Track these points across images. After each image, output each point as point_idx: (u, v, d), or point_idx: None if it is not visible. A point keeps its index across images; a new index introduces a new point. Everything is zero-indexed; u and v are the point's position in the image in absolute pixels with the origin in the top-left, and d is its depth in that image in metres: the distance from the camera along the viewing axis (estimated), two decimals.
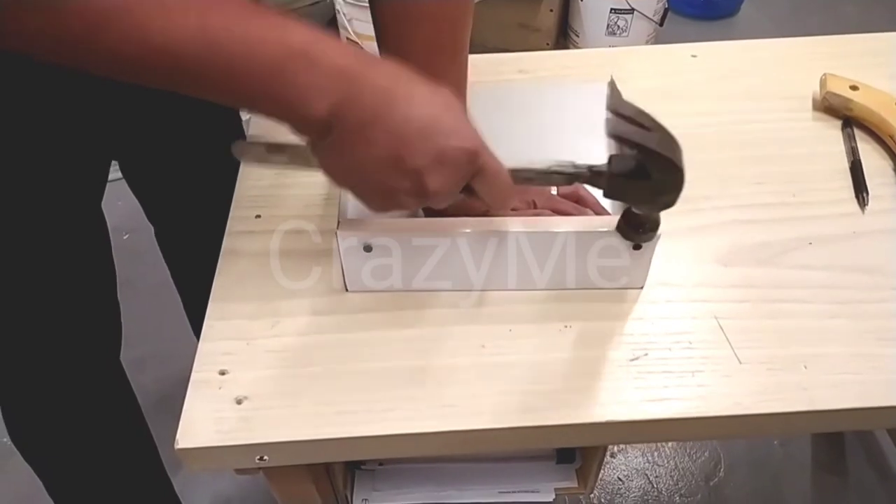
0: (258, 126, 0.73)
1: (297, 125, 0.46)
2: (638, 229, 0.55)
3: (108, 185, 0.87)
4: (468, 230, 0.56)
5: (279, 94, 0.44)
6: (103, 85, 0.65)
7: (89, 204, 0.75)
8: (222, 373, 0.55)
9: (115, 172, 0.84)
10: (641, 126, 0.49)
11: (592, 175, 0.52)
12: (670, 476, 1.28)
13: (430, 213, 0.64)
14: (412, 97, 0.45)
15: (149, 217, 0.97)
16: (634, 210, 0.54)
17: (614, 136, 0.48)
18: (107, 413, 0.91)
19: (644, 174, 0.50)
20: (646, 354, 0.56)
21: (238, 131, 0.88)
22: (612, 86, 0.48)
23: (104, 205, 0.79)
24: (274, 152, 0.51)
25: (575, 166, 0.52)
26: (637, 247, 0.57)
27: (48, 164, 0.67)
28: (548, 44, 2.04)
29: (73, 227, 0.74)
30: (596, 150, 0.72)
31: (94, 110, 0.68)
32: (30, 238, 0.70)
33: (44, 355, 0.79)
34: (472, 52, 0.64)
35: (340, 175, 0.48)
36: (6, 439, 0.89)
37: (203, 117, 0.80)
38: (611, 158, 0.51)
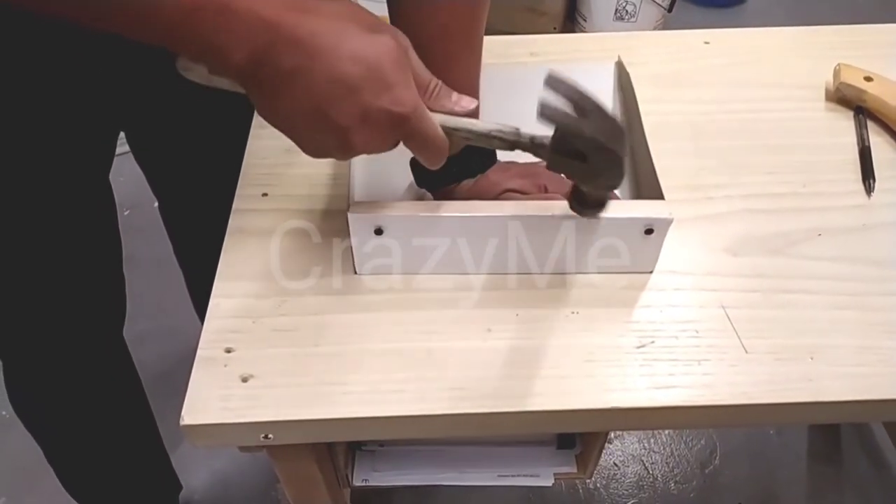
0: None
1: (217, 70, 0.45)
2: (583, 204, 0.54)
3: None
4: (478, 214, 0.56)
5: (194, 38, 0.42)
6: (113, 54, 0.64)
7: (97, 175, 0.75)
8: (228, 351, 0.55)
9: (119, 147, 0.83)
10: (579, 109, 0.47)
11: (534, 146, 0.50)
12: (666, 463, 1.29)
13: (439, 196, 0.63)
14: (340, 50, 0.43)
15: (154, 190, 0.97)
16: (580, 186, 0.53)
17: (545, 118, 0.46)
18: (107, 385, 0.91)
19: (581, 154, 0.49)
20: (652, 342, 0.56)
21: (249, 104, 0.87)
22: (553, 72, 0.46)
23: None
24: (217, 74, 0.48)
25: (517, 134, 0.51)
26: (649, 231, 0.57)
27: (56, 134, 0.66)
28: (555, 28, 2.02)
29: (80, 197, 0.73)
30: None
31: (102, 79, 0.67)
32: (37, 208, 0.69)
33: (48, 325, 0.79)
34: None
35: (268, 118, 0.47)
36: (5, 412, 0.89)
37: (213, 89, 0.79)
38: (555, 133, 0.50)
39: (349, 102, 0.43)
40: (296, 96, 0.43)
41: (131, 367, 0.96)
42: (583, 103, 0.47)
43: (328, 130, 0.45)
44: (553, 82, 0.47)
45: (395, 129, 0.46)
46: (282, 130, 0.47)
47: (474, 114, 0.51)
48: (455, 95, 0.51)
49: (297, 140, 0.47)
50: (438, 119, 0.49)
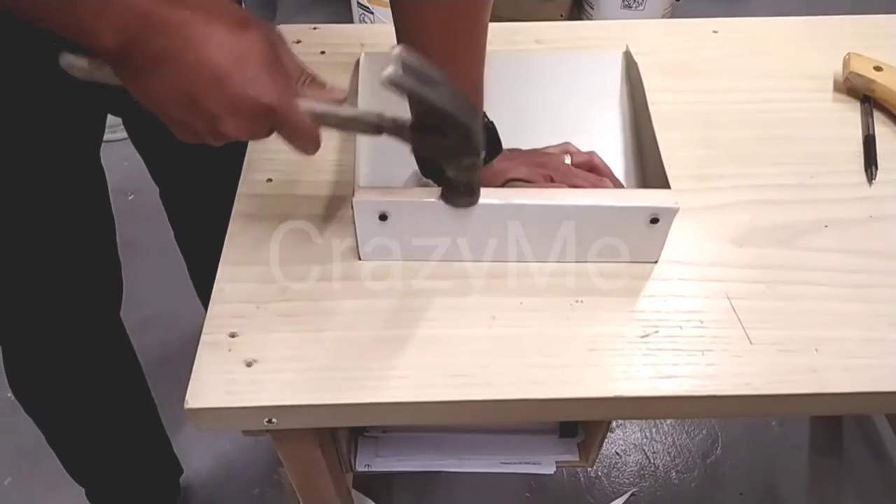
0: None
1: (88, 50, 0.45)
2: (452, 191, 0.54)
3: (112, 145, 0.86)
4: (483, 201, 0.56)
5: (64, 18, 0.43)
6: None
7: (86, 154, 0.74)
8: (232, 335, 0.55)
9: (120, 132, 0.83)
10: (428, 79, 0.47)
11: (396, 128, 0.50)
12: (667, 452, 1.30)
13: (442, 184, 0.63)
14: (210, 40, 0.44)
15: (153, 177, 0.96)
16: (447, 173, 0.53)
17: (392, 85, 0.46)
18: (105, 368, 0.91)
19: (440, 136, 0.49)
20: (656, 331, 0.56)
21: None
22: (402, 50, 0.46)
23: (108, 165, 0.78)
24: (97, 67, 0.49)
25: (379, 117, 0.51)
26: (654, 221, 0.56)
27: (43, 113, 0.66)
28: (561, 15, 2.01)
29: (70, 176, 0.73)
30: (608, 117, 0.71)
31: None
32: (27, 188, 0.69)
33: (43, 306, 0.79)
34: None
35: (143, 101, 0.47)
36: (10, 394, 0.89)
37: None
38: (414, 116, 0.50)
39: (217, 91, 0.44)
40: (166, 82, 0.44)
41: (129, 349, 0.96)
42: (431, 74, 0.47)
43: (199, 117, 0.45)
44: (403, 56, 0.46)
45: (263, 118, 0.47)
46: (154, 111, 0.47)
47: (343, 103, 0.52)
48: (328, 86, 0.52)
49: (169, 124, 0.48)
50: (305, 107, 0.49)
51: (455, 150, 0.50)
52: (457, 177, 0.53)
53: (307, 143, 0.50)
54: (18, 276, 0.75)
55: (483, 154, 0.52)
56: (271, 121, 0.47)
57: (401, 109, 0.50)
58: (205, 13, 0.44)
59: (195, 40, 0.44)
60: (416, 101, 0.48)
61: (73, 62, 0.48)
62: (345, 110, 0.51)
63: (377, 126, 0.51)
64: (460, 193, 0.54)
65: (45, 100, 0.65)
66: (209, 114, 0.45)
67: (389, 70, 0.45)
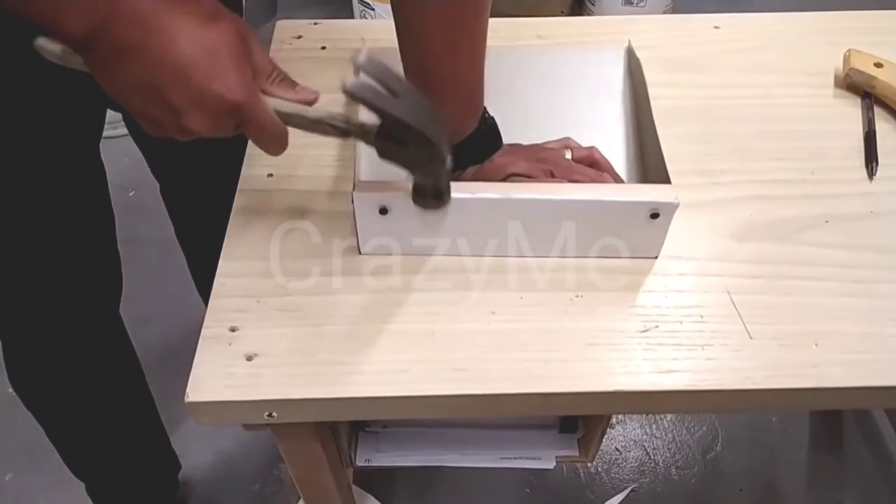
0: None
1: (56, 37, 0.45)
2: (420, 195, 0.54)
3: (113, 141, 0.86)
4: (483, 196, 0.56)
5: (33, 8, 0.42)
6: None
7: (85, 149, 0.74)
8: (233, 329, 0.55)
9: (121, 128, 0.83)
10: (390, 90, 0.47)
11: (362, 133, 0.50)
12: (668, 448, 1.30)
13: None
14: (178, 32, 0.43)
15: (153, 173, 0.96)
16: (415, 177, 0.53)
17: (352, 96, 0.45)
18: (104, 363, 0.91)
19: (400, 144, 0.48)
20: (656, 326, 0.56)
21: None
22: (367, 54, 0.46)
23: (109, 161, 0.78)
24: (68, 53, 0.48)
25: (347, 121, 0.50)
26: (654, 216, 0.56)
27: (41, 108, 0.66)
28: (562, 11, 2.00)
29: (69, 172, 0.73)
30: (609, 112, 0.71)
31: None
32: (26, 183, 0.69)
33: (42, 301, 0.79)
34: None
35: (108, 91, 0.46)
36: (11, 390, 0.89)
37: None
38: (380, 122, 0.49)
39: (182, 84, 0.44)
40: (131, 72, 0.44)
41: (128, 344, 0.96)
42: (394, 85, 0.47)
43: (163, 110, 0.45)
44: (366, 64, 0.46)
45: (229, 115, 0.46)
46: (120, 102, 0.47)
47: (313, 104, 0.51)
48: (298, 87, 0.51)
49: (136, 115, 0.47)
50: (273, 105, 0.48)
51: (418, 158, 0.50)
52: (423, 182, 0.53)
53: (272, 142, 0.49)
54: (18, 271, 0.75)
55: (448, 161, 0.52)
56: (237, 117, 0.46)
57: None
58: (175, 3, 0.44)
59: (163, 31, 0.43)
60: (375, 112, 0.47)
61: (46, 46, 0.47)
62: (312, 111, 0.50)
63: (344, 130, 0.50)
64: (428, 196, 0.54)
65: (43, 95, 0.65)
66: (173, 107, 0.44)
67: (348, 81, 0.44)
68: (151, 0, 0.43)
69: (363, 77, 0.45)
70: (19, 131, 0.66)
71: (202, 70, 0.44)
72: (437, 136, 0.49)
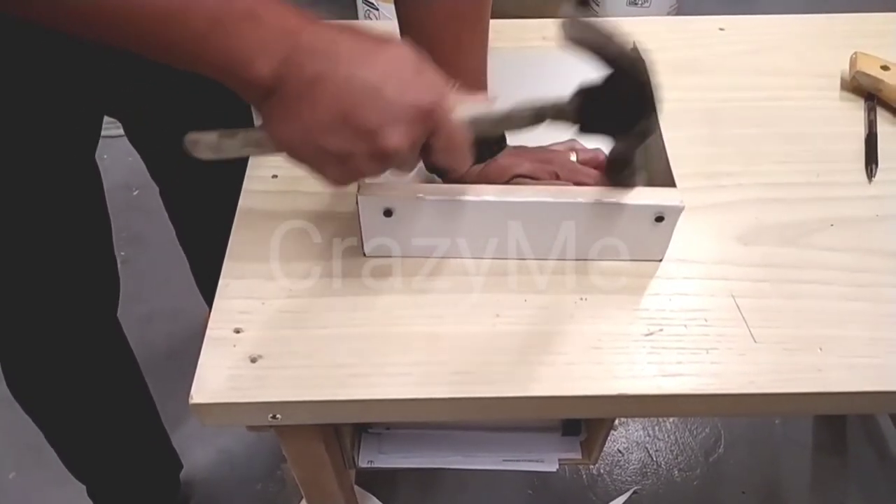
0: None
1: (240, 87, 0.45)
2: (621, 171, 0.53)
3: (116, 140, 0.86)
4: (486, 198, 0.56)
5: (219, 52, 0.42)
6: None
7: (81, 156, 0.74)
8: (237, 331, 0.55)
9: (118, 129, 0.83)
10: (599, 37, 0.47)
11: (558, 111, 0.50)
12: (670, 450, 1.30)
13: (448, 181, 0.63)
14: (359, 55, 0.44)
15: (153, 176, 0.96)
16: (615, 149, 0.52)
17: (573, 39, 0.45)
18: (102, 367, 0.91)
19: (610, 99, 0.48)
20: (661, 330, 0.56)
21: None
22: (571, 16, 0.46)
23: (113, 161, 0.78)
24: (226, 138, 0.49)
25: (539, 107, 0.50)
26: (659, 219, 0.56)
27: (38, 115, 0.66)
28: None
29: (65, 178, 0.73)
30: None
31: (83, 63, 0.66)
32: (21, 189, 0.69)
33: (39, 307, 0.79)
34: (491, 18, 0.63)
35: (292, 145, 0.46)
36: None
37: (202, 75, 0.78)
38: (576, 91, 0.49)
39: (374, 102, 0.44)
40: (321, 104, 0.43)
41: (126, 347, 0.96)
42: (605, 30, 0.46)
43: (356, 136, 0.44)
44: (571, 10, 0.46)
45: (422, 122, 0.45)
46: (305, 154, 0.47)
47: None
48: (471, 95, 0.50)
49: (321, 160, 0.46)
50: (459, 113, 0.48)
51: (628, 115, 0.49)
52: (626, 148, 0.51)
53: (460, 150, 0.49)
54: (12, 277, 0.75)
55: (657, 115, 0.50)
56: (430, 123, 0.46)
57: None
58: (348, 29, 0.44)
59: (347, 56, 0.43)
60: (596, 56, 0.46)
61: (201, 138, 0.48)
62: (498, 110, 0.50)
63: (537, 116, 0.50)
64: (629, 172, 0.53)
65: (39, 101, 0.65)
66: (367, 130, 0.44)
67: (567, 26, 0.45)
68: (327, 30, 0.44)
69: (574, 25, 0.45)
70: (15, 140, 0.66)
71: (392, 84, 0.44)
72: (653, 79, 0.48)
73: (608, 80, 0.48)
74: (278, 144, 0.47)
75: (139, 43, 0.43)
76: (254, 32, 0.42)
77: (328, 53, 0.43)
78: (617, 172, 0.53)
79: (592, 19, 0.47)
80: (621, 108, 0.48)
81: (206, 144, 0.49)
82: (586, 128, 0.51)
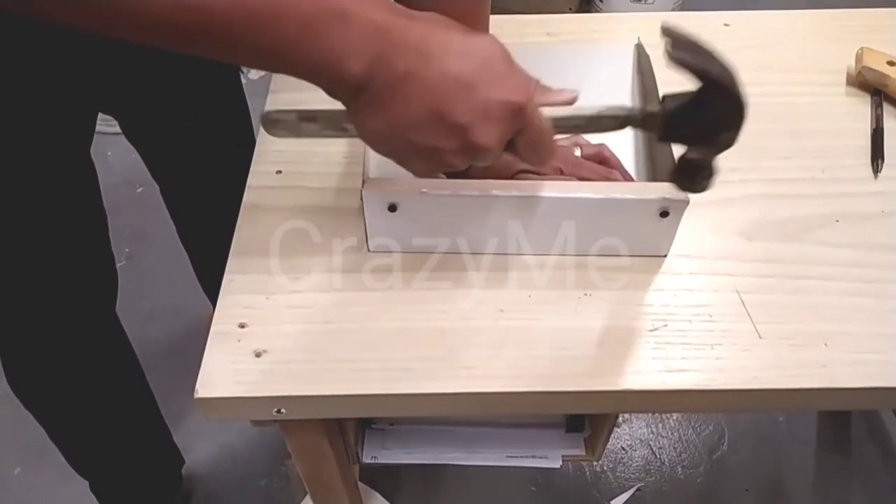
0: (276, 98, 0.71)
1: (331, 86, 0.45)
2: (695, 176, 0.53)
3: (119, 137, 0.86)
4: (492, 193, 0.56)
5: (311, 53, 0.42)
6: (89, 37, 0.64)
7: (76, 153, 0.74)
8: (242, 326, 0.55)
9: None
10: (701, 55, 0.47)
11: (645, 117, 0.50)
12: (674, 447, 1.30)
13: (452, 176, 0.63)
14: (449, 51, 0.43)
15: (153, 174, 0.96)
16: (690, 155, 0.52)
17: (676, 61, 0.45)
18: (101, 363, 0.91)
19: (701, 111, 0.48)
20: (665, 325, 0.56)
21: (236, 86, 0.86)
22: (667, 29, 0.46)
23: (116, 157, 0.78)
24: (306, 120, 0.49)
25: (626, 109, 0.50)
26: (664, 214, 0.56)
27: (29, 110, 0.66)
28: (570, 9, 2.00)
29: (59, 175, 0.73)
30: None
31: (78, 59, 0.66)
32: (15, 186, 0.69)
33: (36, 304, 0.79)
34: (493, 14, 0.63)
35: (380, 138, 0.47)
36: None
37: (198, 72, 0.78)
38: (664, 98, 0.50)
39: (466, 98, 0.44)
40: (413, 100, 0.43)
41: (126, 343, 0.96)
42: (701, 49, 0.47)
43: (447, 132, 0.44)
44: (670, 32, 0.46)
45: (513, 119, 0.45)
46: (392, 148, 0.47)
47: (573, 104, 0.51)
48: (556, 89, 0.51)
49: (409, 154, 0.47)
50: (545, 113, 0.48)
51: (718, 126, 0.49)
52: (704, 156, 0.52)
53: (546, 147, 0.49)
54: (9, 274, 0.75)
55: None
56: (520, 121, 0.46)
57: None
58: (437, 24, 0.44)
59: (437, 51, 0.43)
60: (697, 73, 0.47)
61: (279, 119, 0.48)
62: (588, 109, 0.50)
63: (625, 120, 0.50)
64: (703, 176, 0.53)
65: (33, 98, 0.65)
66: (458, 126, 0.44)
67: (671, 47, 0.45)
68: (417, 25, 0.44)
69: (675, 47, 0.45)
70: (9, 136, 0.66)
71: (483, 80, 0.44)
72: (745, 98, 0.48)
73: (702, 93, 0.48)
74: (365, 137, 0.47)
75: (224, 51, 0.42)
76: (345, 32, 0.42)
77: (419, 49, 0.43)
78: (691, 177, 0.53)
79: (690, 37, 0.47)
80: (715, 120, 0.49)
81: (284, 125, 0.48)
82: (666, 137, 0.51)
